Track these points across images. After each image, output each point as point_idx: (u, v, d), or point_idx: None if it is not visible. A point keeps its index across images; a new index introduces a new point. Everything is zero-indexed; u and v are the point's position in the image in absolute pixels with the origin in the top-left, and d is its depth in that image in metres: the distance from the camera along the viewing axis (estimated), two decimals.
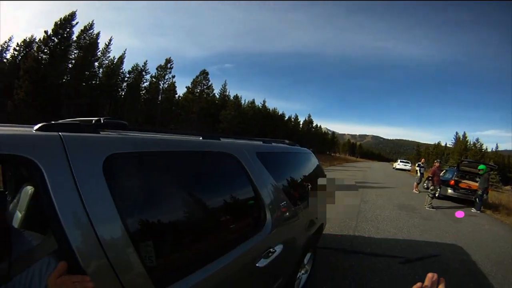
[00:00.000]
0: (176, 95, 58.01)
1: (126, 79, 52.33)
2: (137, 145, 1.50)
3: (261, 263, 2.07)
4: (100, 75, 48.68)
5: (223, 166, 2.14)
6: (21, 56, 43.37)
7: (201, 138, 2.06)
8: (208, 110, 58.00)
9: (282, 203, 2.55)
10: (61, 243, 1.07)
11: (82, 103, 42.01)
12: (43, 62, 39.55)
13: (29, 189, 2.30)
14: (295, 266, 3.00)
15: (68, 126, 1.27)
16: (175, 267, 1.53)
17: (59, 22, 42.33)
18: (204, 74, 58.94)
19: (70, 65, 43.88)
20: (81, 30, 45.67)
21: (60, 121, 1.40)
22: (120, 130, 1.62)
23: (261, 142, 2.91)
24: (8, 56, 45.52)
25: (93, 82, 47.64)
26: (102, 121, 1.50)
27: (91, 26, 46.72)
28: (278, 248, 2.29)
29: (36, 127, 1.23)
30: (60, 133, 1.18)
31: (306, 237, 3.15)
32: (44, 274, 1.17)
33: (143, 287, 1.27)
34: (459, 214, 9.37)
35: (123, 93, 52.20)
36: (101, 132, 1.41)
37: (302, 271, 3.42)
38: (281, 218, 2.48)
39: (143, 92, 54.40)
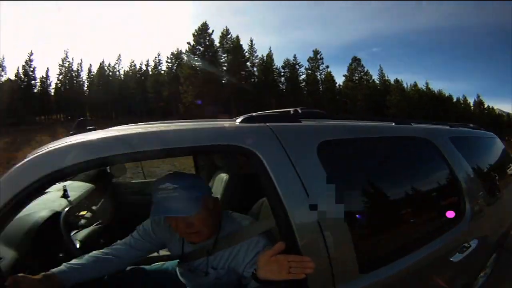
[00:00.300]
0: (336, 84, 58.08)
1: (282, 74, 55.08)
2: (342, 132, 1.50)
3: (456, 257, 1.83)
4: (256, 73, 52.31)
5: (419, 152, 1.96)
6: (175, 66, 50.90)
7: (393, 123, 1.94)
8: (371, 96, 55.94)
9: (480, 194, 2.20)
10: (281, 224, 1.12)
11: (248, 99, 46.05)
12: (197, 68, 45.29)
13: (223, 176, 2.61)
14: (483, 264, 2.61)
15: (270, 117, 1.32)
16: (378, 253, 1.48)
17: (195, 33, 48.02)
18: (357, 61, 57.38)
19: (224, 68, 49.13)
20: (220, 36, 50.43)
21: (257, 113, 1.48)
22: (317, 119, 1.64)
23: (448, 126, 2.57)
24: (164, 67, 54.87)
25: (252, 80, 51.79)
26: (299, 111, 1.55)
27: (227, 31, 51.18)
28: (473, 244, 1.98)
29: (239, 120, 1.31)
30: (267, 123, 1.24)
31: (498, 234, 2.65)
32: (250, 251, 1.23)
33: (349, 268, 1.25)
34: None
35: (284, 87, 55.00)
36: (302, 121, 1.43)
37: (484, 272, 2.98)
38: (479, 210, 2.15)
39: (303, 84, 56.20)
